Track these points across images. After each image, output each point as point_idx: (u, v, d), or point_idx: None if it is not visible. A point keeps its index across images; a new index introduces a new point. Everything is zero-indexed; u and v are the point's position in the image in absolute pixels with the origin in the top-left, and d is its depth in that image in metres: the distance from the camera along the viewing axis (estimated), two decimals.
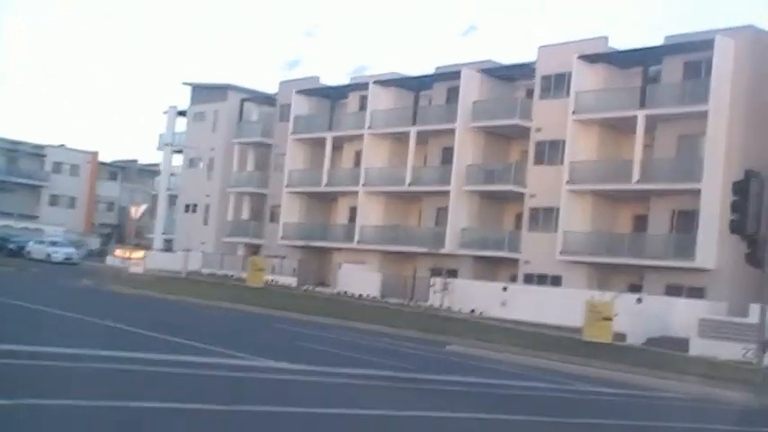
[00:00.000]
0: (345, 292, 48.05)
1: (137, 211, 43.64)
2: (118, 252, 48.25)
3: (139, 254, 45.93)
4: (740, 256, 38.54)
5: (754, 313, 34.80)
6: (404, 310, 38.74)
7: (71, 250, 56.74)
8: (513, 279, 46.07)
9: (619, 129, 42.44)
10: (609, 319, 28.65)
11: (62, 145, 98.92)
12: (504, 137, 48.33)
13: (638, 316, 35.02)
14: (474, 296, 42.59)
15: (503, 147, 48.70)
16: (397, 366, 16.22)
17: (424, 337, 25.25)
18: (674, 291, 39.64)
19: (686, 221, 39.37)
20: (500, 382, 16.13)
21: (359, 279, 49.48)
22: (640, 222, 42.58)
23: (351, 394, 12.11)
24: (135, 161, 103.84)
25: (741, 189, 17.15)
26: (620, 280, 42.89)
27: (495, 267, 48.09)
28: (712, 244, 38.05)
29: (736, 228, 17.37)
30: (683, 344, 32.91)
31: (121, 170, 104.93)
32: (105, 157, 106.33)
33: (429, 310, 40.54)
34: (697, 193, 38.37)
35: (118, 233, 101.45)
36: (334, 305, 35.20)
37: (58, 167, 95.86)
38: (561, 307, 36.63)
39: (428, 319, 32.97)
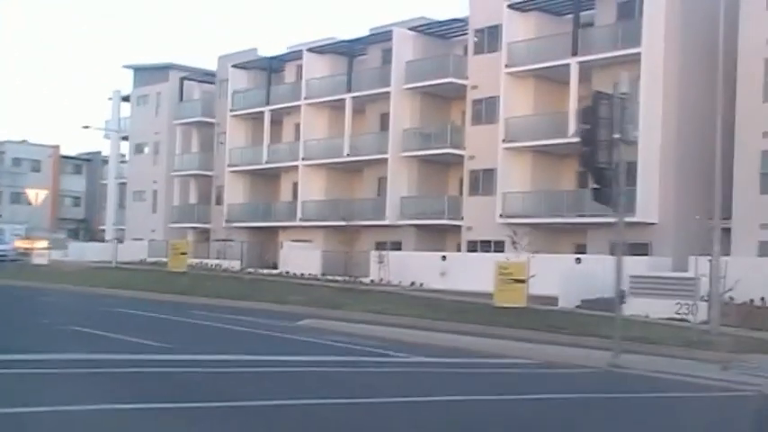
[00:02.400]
0: (287, 272, 45.64)
1: (37, 198, 41.12)
2: (17, 243, 45.87)
3: (42, 244, 43.51)
4: (683, 209, 36.22)
5: (693, 267, 32.31)
6: (329, 286, 36.11)
7: (5, 247, 54.68)
8: (460, 248, 43.57)
9: (554, 80, 39.69)
10: (522, 281, 26.08)
11: (24, 140, 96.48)
12: (443, 98, 45.61)
13: (574, 277, 32.52)
14: (413, 268, 40.13)
15: (442, 108, 45.96)
16: (151, 347, 13.78)
17: (301, 312, 22.83)
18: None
19: (627, 173, 36.56)
20: (283, 358, 13.66)
21: (300, 258, 47.04)
22: (584, 178, 39.86)
23: None
24: (98, 152, 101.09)
25: (590, 116, 14.51)
26: (566, 241, 40.40)
27: (440, 236, 45.55)
28: (653, 196, 35.50)
29: (588, 161, 14.73)
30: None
31: (86, 163, 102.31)
32: (69, 150, 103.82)
33: (364, 285, 38.01)
34: (636, 140, 35.69)
35: (86, 228, 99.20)
36: (246, 286, 32.61)
37: (18, 163, 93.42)
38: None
39: (339, 293, 30.50)
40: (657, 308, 28.38)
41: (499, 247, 41.29)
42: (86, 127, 54.74)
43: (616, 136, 14.36)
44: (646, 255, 35.34)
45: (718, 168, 25.21)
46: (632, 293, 29.80)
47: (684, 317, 27.83)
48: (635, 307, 29.42)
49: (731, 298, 29.42)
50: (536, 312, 25.31)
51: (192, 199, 61.31)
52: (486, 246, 41.74)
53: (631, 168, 36.13)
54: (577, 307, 31.23)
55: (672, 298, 28.08)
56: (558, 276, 31.84)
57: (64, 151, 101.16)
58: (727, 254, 33.30)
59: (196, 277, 36.19)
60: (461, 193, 44.46)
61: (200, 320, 19.79)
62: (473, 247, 42.53)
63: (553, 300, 31.07)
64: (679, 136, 35.42)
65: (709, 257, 30.75)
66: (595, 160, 14.37)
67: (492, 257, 39.20)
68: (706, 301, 28.58)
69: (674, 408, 10.99)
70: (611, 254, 37.03)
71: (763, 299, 28.61)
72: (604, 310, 30.39)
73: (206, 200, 60.13)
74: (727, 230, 34.44)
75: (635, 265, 33.51)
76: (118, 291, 28.25)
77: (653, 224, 35.58)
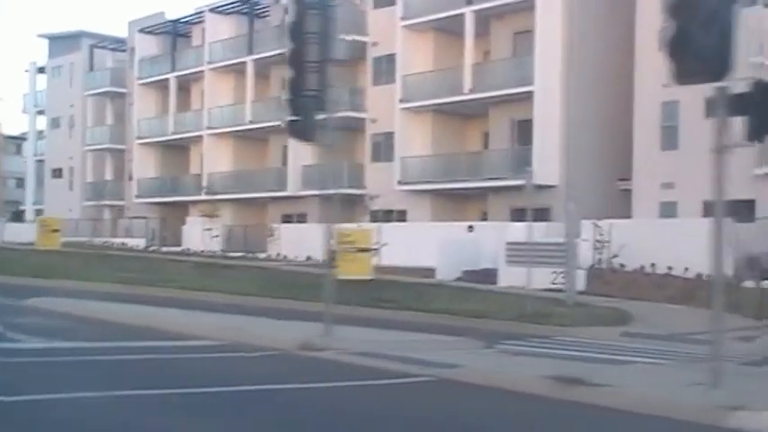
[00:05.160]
0: (188, 250, 42.58)
1: None
2: None
3: None
4: (586, 170, 33.16)
5: (585, 232, 29.19)
6: (195, 261, 32.86)
7: None
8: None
9: (454, 33, 36.29)
10: (366, 250, 23.01)
11: None
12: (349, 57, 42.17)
13: (455, 247, 29.49)
14: (309, 241, 36.90)
15: (347, 69, 42.34)
16: None
17: (94, 289, 19.80)
18: (519, 214, 33.97)
19: (527, 132, 33.58)
20: None
21: (200, 234, 43.87)
22: (488, 140, 36.81)
23: None
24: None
25: (297, 32, 11.29)
26: (472, 207, 37.34)
27: (348, 207, 42.12)
28: (553, 156, 32.35)
29: (296, 88, 11.52)
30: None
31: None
32: (11, 129, 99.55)
33: (244, 261, 34.95)
34: (532, 96, 32.61)
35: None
36: (94, 263, 29.22)
37: None
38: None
39: (192, 270, 27.47)
40: (536, 277, 25.20)
41: (402, 216, 38.32)
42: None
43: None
44: (547, 221, 32.25)
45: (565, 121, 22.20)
46: (509, 262, 26.97)
47: (561, 287, 24.87)
48: (511, 277, 26.44)
49: (622, 265, 26.47)
50: (378, 285, 22.23)
51: (108, 175, 57.95)
52: (388, 215, 38.64)
53: (526, 126, 33.29)
54: (458, 279, 28.25)
55: (549, 266, 24.97)
56: (438, 246, 28.92)
57: (6, 131, 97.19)
58: (629, 216, 30.43)
59: (57, 255, 32.85)
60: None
61: None
62: (377, 217, 39.40)
63: (427, 271, 28.13)
64: (580, 91, 32.22)
65: (610, 221, 27.83)
66: (303, 86, 11.22)
67: (392, 227, 36.37)
68: (582, 269, 25.69)
69: (266, 405, 7.97)
70: (513, 220, 34.23)
71: (653, 265, 25.51)
72: (484, 281, 27.61)
73: (121, 175, 56.84)
74: (629, 192, 31.56)
75: (533, 234, 30.57)
76: None
77: (552, 187, 32.44)
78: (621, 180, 32.77)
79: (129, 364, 10.18)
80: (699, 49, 8.06)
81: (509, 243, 26.65)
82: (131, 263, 30.09)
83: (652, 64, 29.62)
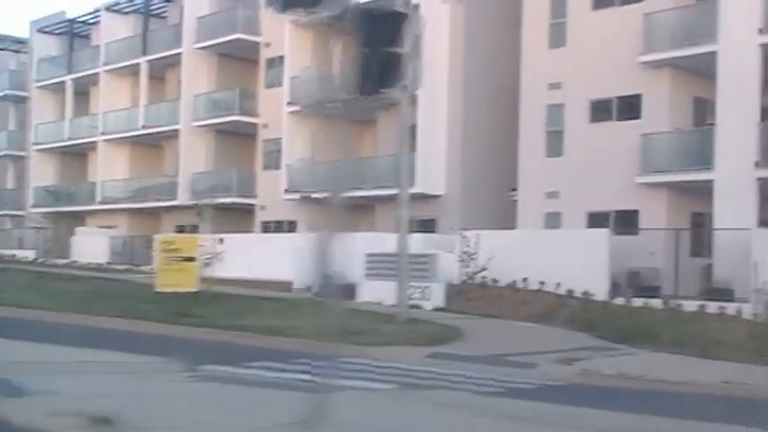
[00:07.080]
0: (75, 262, 39.99)
1: None
2: None
3: None
4: (473, 179, 31.08)
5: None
6: (43, 272, 30.27)
7: None
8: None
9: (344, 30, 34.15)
10: (191, 259, 20.59)
11: None
12: (243, 60, 39.76)
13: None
14: None
15: (242, 72, 39.95)
16: None
17: None
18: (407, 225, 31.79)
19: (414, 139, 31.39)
20: None
21: (89, 245, 41.30)
22: (375, 145, 34.61)
23: None
24: None
25: None
26: (361, 217, 34.99)
27: (244, 217, 39.93)
28: (439, 164, 30.28)
29: None
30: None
31: None
32: None
33: (125, 273, 32.48)
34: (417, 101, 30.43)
35: None
36: None
37: None
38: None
39: (18, 281, 24.89)
40: (393, 292, 23.01)
41: (292, 227, 35.93)
42: None
43: None
44: (433, 231, 30.09)
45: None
46: (368, 275, 24.72)
47: (418, 302, 22.66)
48: (371, 292, 24.15)
49: (495, 280, 24.24)
50: (202, 298, 19.90)
51: (9, 183, 55.03)
52: (279, 226, 36.34)
53: (414, 133, 31.10)
54: (318, 293, 25.88)
55: (408, 280, 22.67)
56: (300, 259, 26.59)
57: None
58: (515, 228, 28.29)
59: None
60: None
61: None
62: (267, 227, 37.11)
63: (284, 284, 25.86)
64: (467, 96, 30.22)
65: (478, 231, 25.46)
66: None
67: (276, 238, 34.08)
68: (442, 283, 23.51)
69: None
70: (397, 231, 32.00)
71: (525, 279, 23.35)
72: (346, 296, 25.26)
73: (23, 183, 53.95)
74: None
75: (411, 245, 28.38)
76: None
77: (438, 196, 30.33)
78: (513, 190, 30.70)
79: None
80: None
81: (368, 254, 24.37)
82: None
83: (538, 65, 27.67)
